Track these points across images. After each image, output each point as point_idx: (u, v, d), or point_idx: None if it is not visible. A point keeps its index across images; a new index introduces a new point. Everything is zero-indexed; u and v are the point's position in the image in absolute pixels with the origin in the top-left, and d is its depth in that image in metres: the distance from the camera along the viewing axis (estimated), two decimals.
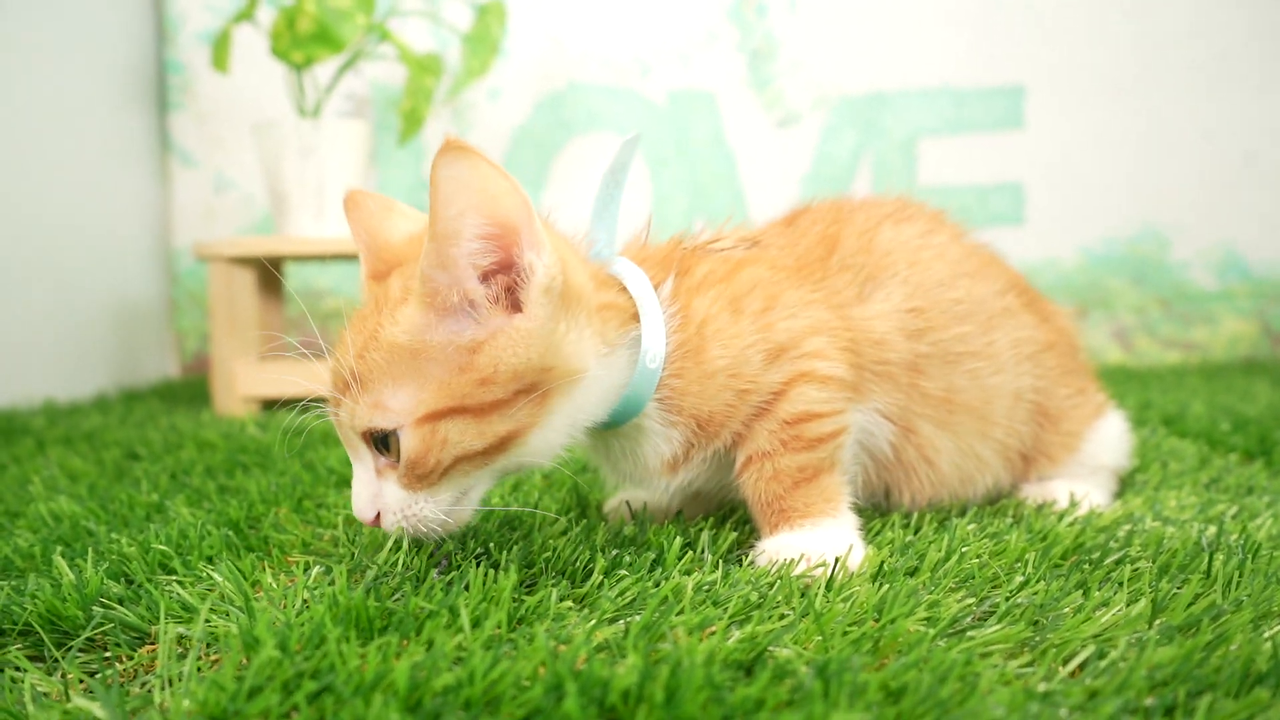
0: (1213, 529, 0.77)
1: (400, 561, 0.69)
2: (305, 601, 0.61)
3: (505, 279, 0.64)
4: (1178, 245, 2.33)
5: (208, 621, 0.58)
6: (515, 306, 0.64)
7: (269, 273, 1.79)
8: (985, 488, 0.87)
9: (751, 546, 0.73)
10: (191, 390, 1.93)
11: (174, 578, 0.69)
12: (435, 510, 0.66)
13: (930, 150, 2.31)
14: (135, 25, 2.14)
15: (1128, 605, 0.60)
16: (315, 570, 0.69)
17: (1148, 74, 2.29)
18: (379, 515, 0.66)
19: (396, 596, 0.61)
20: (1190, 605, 0.59)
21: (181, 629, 0.58)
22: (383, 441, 0.65)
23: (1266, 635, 0.54)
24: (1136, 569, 0.68)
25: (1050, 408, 0.88)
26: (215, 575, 0.67)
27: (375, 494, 0.66)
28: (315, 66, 1.69)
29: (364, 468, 0.66)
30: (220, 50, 1.66)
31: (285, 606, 0.60)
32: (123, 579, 0.68)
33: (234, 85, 2.20)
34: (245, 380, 1.61)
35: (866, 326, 0.77)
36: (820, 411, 0.73)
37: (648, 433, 0.74)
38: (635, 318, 0.71)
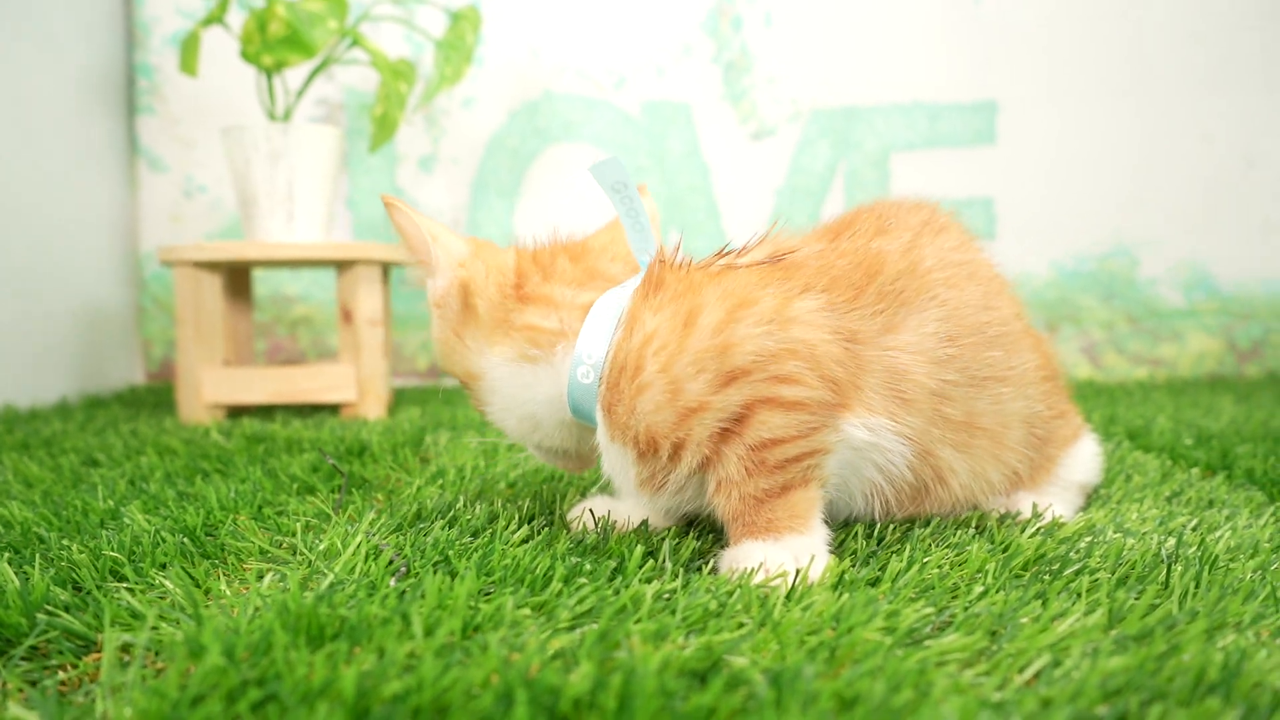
0: (1172, 541, 0.78)
1: (357, 568, 0.69)
2: (257, 609, 0.60)
3: None
4: (1146, 262, 2.35)
5: (155, 629, 0.57)
6: None
7: (237, 278, 1.78)
8: (985, 507, 0.87)
9: (714, 555, 0.73)
10: (156, 397, 1.91)
11: (124, 585, 0.68)
12: None
13: (903, 164, 2.33)
14: (104, 28, 2.12)
15: (1085, 615, 0.60)
16: (269, 577, 0.68)
17: (1119, 91, 2.32)
18: None
19: (350, 603, 0.60)
20: (1146, 615, 0.59)
21: (127, 636, 0.56)
22: None
23: (1220, 646, 0.54)
24: (1095, 579, 0.68)
25: (1042, 431, 0.87)
26: (166, 582, 0.66)
27: None
28: (286, 70, 1.68)
29: None
30: (188, 53, 1.64)
31: (236, 613, 0.59)
32: (71, 586, 0.67)
33: (204, 88, 2.19)
34: (211, 387, 1.60)
35: (888, 360, 0.74)
36: (785, 437, 0.69)
37: (603, 448, 0.75)
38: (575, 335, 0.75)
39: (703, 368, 0.69)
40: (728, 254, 0.77)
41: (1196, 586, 0.66)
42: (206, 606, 0.62)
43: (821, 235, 0.83)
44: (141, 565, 0.71)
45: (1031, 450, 0.85)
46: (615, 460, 0.75)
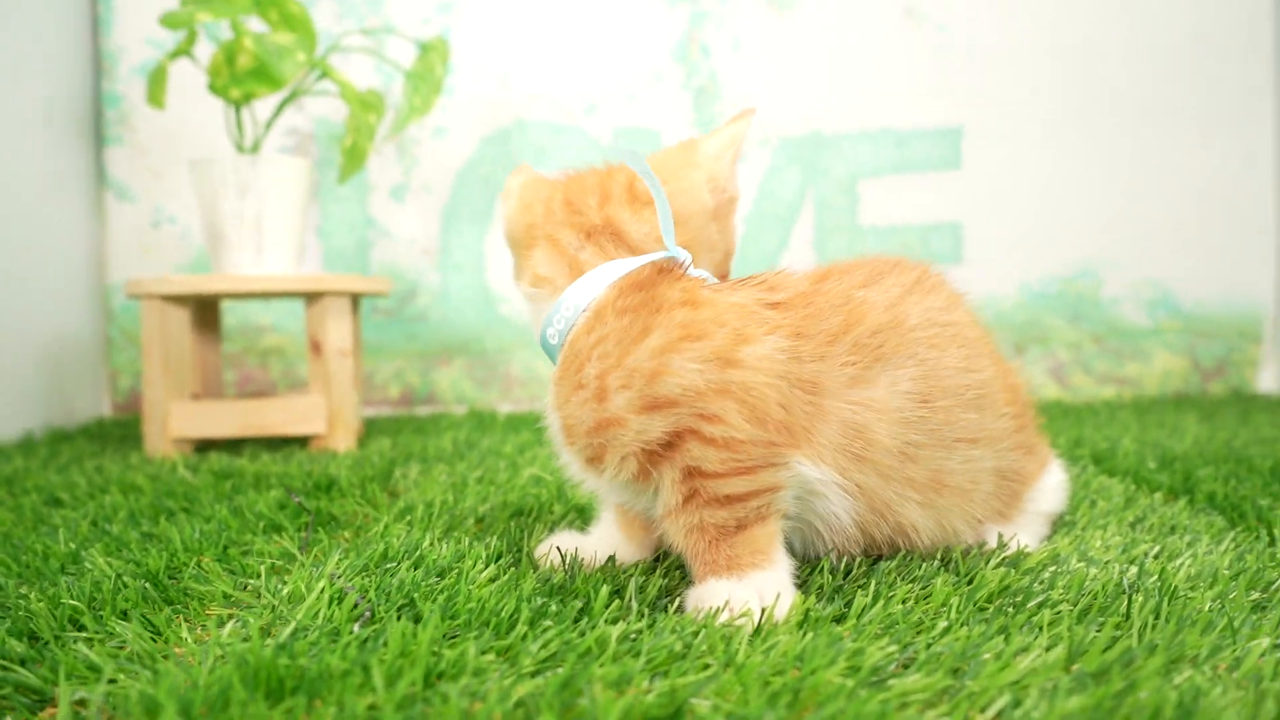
0: (1134, 570, 0.79)
1: (321, 614, 0.68)
2: (217, 658, 0.60)
3: None
4: (1110, 283, 2.38)
5: (113, 682, 0.57)
6: None
7: (206, 310, 1.77)
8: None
9: (681, 593, 0.73)
10: (123, 430, 1.89)
11: (83, 634, 0.67)
12: None
13: (871, 190, 2.35)
14: (71, 58, 2.11)
15: (1046, 650, 0.60)
16: (231, 625, 0.67)
17: (1081, 116, 2.35)
18: None
19: (311, 652, 0.59)
20: (1106, 650, 0.60)
21: (84, 691, 0.56)
22: None
23: (1175, 683, 0.55)
24: (1057, 612, 0.69)
25: (1011, 473, 0.87)
26: (126, 632, 0.65)
27: None
28: (255, 102, 1.68)
29: None
30: (156, 86, 1.64)
31: (195, 664, 0.59)
32: (28, 637, 0.66)
33: (173, 119, 2.18)
34: (179, 421, 1.58)
35: (849, 414, 0.73)
36: (716, 471, 0.69)
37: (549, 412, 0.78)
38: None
39: (628, 385, 0.69)
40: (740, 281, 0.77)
41: (1156, 618, 0.66)
42: (165, 658, 0.62)
43: (813, 278, 0.83)
44: (102, 613, 0.70)
45: (1001, 500, 0.86)
46: (554, 431, 0.77)
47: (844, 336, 0.74)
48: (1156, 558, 0.84)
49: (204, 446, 1.67)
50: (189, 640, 0.66)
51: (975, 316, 0.86)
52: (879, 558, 0.83)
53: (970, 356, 0.81)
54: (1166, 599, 0.70)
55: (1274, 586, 0.74)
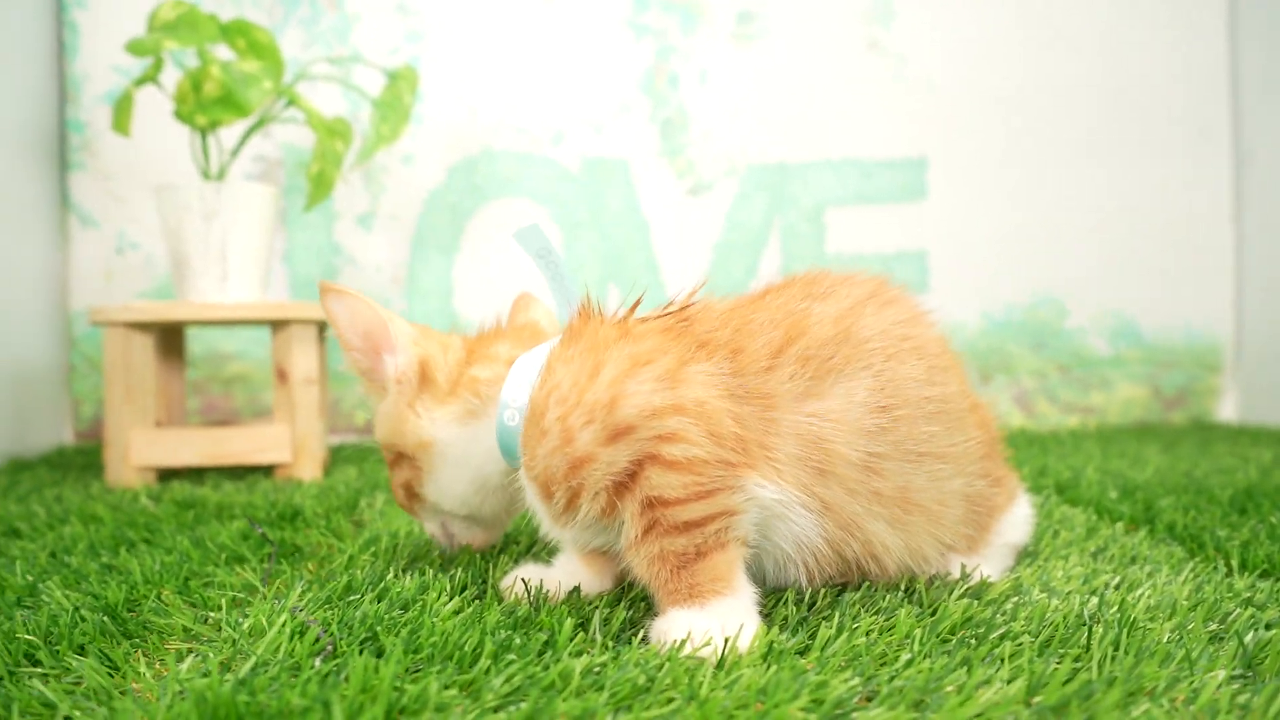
0: (1094, 600, 0.79)
1: (282, 648, 0.68)
2: (176, 694, 0.59)
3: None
4: (1074, 312, 2.42)
5: (68, 719, 0.56)
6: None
7: (170, 337, 1.75)
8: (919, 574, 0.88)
9: (645, 624, 0.73)
10: (85, 458, 1.86)
11: (39, 670, 0.66)
12: (433, 529, 0.95)
13: (838, 219, 2.38)
14: (36, 83, 2.09)
15: (1007, 683, 0.61)
16: (190, 660, 0.66)
17: (1045, 149, 2.40)
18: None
19: (272, 688, 0.59)
20: (1066, 683, 0.60)
21: None
22: None
23: (1133, 715, 0.55)
24: (1019, 644, 0.69)
25: (979, 500, 0.87)
26: (83, 668, 0.64)
27: None
28: (221, 129, 1.67)
29: None
30: (121, 113, 1.63)
31: (153, 701, 0.58)
32: None
33: (137, 145, 2.16)
34: (141, 449, 1.56)
35: (805, 426, 0.74)
36: (675, 498, 0.70)
37: (524, 484, 0.79)
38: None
39: (591, 419, 0.70)
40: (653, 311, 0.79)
41: (1115, 650, 0.67)
42: (123, 694, 0.61)
43: (755, 295, 0.84)
44: (58, 648, 0.69)
45: (970, 526, 0.86)
46: (530, 497, 0.79)
47: (788, 349, 0.75)
48: (1117, 588, 0.85)
49: (167, 475, 1.65)
50: (147, 676, 0.65)
51: (940, 333, 0.86)
52: (844, 589, 0.83)
53: (932, 369, 0.81)
54: (1126, 630, 0.70)
55: (1230, 618, 0.75)
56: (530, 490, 0.78)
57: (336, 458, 1.87)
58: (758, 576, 0.80)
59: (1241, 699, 0.58)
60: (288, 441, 1.61)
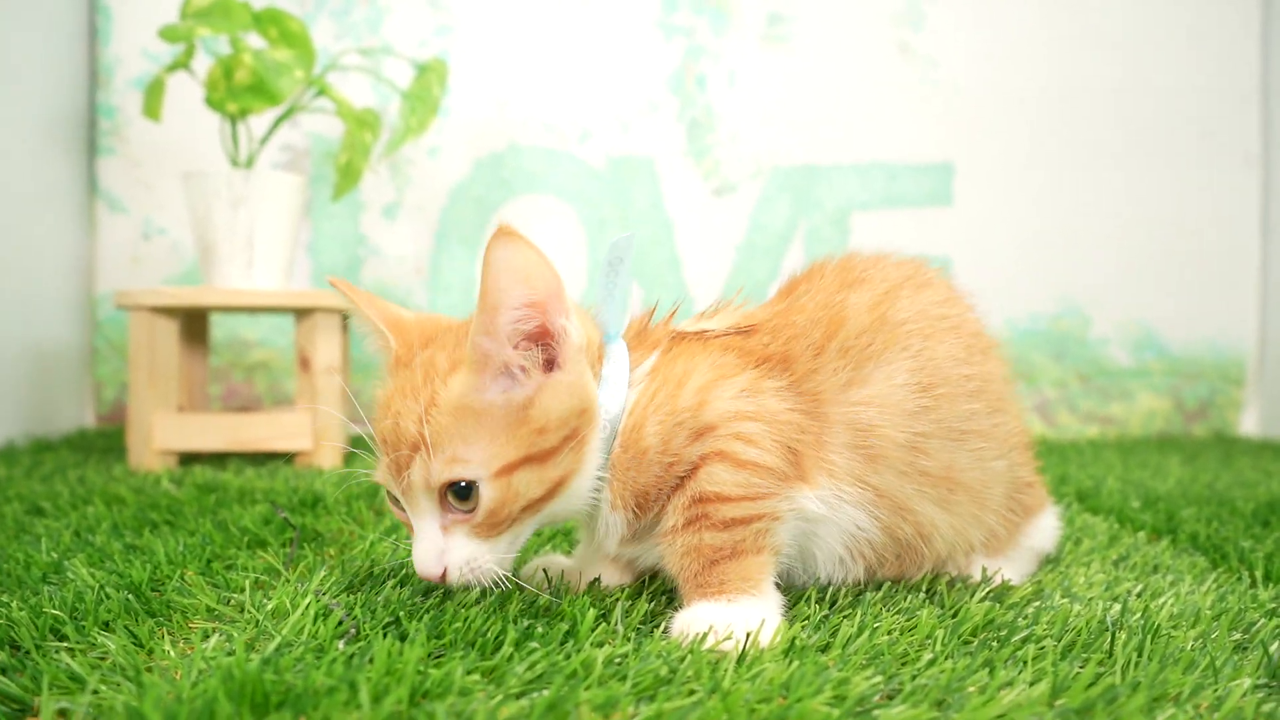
0: (1117, 607, 0.79)
1: (306, 630, 0.68)
2: (201, 672, 0.59)
3: (543, 341, 0.72)
4: (1097, 322, 2.40)
5: (95, 693, 0.56)
6: (550, 365, 0.72)
7: (194, 323, 1.76)
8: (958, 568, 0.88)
9: (667, 616, 0.73)
10: (107, 441, 1.88)
11: (65, 645, 0.66)
12: (493, 558, 0.72)
13: (862, 223, 2.37)
14: (67, 68, 2.11)
15: (1030, 685, 0.60)
16: (215, 639, 0.67)
17: (1071, 157, 2.38)
18: (445, 571, 0.71)
19: (297, 668, 0.59)
20: (1089, 687, 0.60)
21: (65, 702, 0.55)
22: (462, 494, 0.70)
23: None
24: (1042, 647, 0.69)
25: (1017, 493, 0.88)
26: (109, 643, 0.65)
27: (442, 550, 0.71)
28: (251, 117, 1.68)
29: (429, 525, 0.71)
30: (152, 98, 1.64)
31: (179, 677, 0.58)
32: (8, 646, 0.65)
33: (167, 131, 2.17)
34: (163, 433, 1.57)
35: (853, 415, 0.76)
36: (730, 495, 0.72)
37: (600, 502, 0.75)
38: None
39: (681, 423, 0.73)
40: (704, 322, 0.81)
41: (1139, 656, 0.67)
42: (149, 670, 0.61)
43: (783, 292, 0.85)
44: (84, 624, 0.70)
45: (1008, 513, 0.86)
46: (609, 519, 0.76)
47: (828, 345, 0.77)
48: (1140, 596, 0.85)
49: (188, 460, 1.66)
50: (172, 653, 0.65)
51: (978, 315, 0.87)
52: (864, 589, 0.83)
53: (970, 348, 0.82)
54: (1149, 637, 0.70)
55: (1255, 628, 0.75)
56: (614, 513, 0.75)
57: (357, 446, 1.88)
58: (788, 579, 0.81)
59: (1267, 708, 0.58)
60: (309, 429, 1.62)
